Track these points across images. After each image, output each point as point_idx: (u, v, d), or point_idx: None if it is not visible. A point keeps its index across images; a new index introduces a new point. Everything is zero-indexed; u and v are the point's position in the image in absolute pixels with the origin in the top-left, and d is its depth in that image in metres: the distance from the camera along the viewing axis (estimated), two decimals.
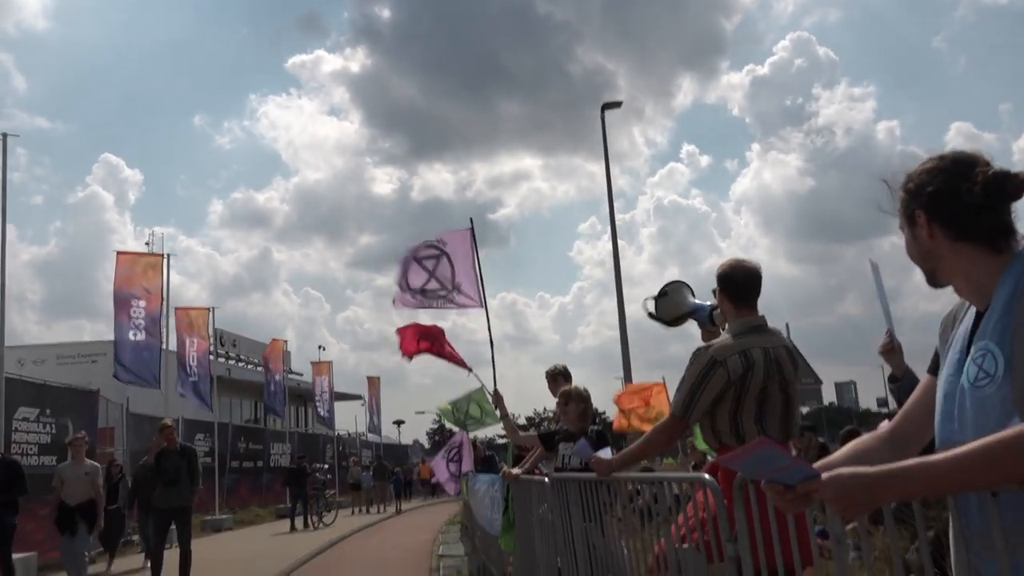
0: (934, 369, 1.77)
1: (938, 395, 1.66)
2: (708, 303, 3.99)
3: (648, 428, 9.17)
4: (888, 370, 4.04)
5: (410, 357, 7.35)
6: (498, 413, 6.29)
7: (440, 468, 10.52)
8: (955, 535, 1.55)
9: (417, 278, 6.85)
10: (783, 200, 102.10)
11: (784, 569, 2.15)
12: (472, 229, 6.85)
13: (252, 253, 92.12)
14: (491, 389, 6.67)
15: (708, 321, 3.93)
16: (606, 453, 3.86)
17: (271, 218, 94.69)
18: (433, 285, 6.77)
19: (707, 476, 2.65)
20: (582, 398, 5.47)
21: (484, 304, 6.70)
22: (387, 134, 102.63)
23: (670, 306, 4.15)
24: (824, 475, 1.47)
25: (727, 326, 3.56)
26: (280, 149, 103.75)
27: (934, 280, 1.70)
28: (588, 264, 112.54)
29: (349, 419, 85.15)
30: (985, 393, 1.49)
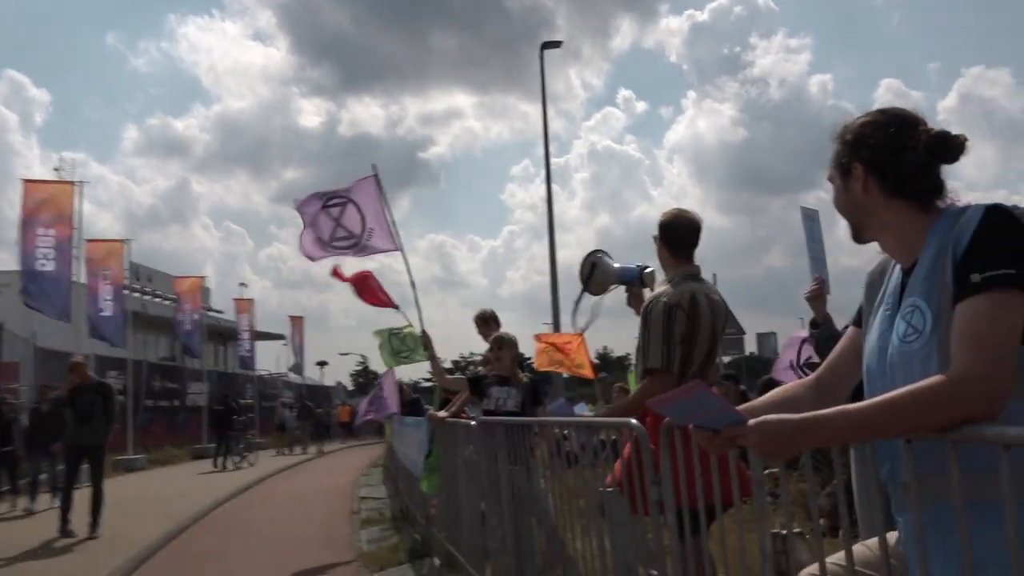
0: (858, 322, 1.83)
1: (867, 351, 1.71)
2: (634, 264, 4.05)
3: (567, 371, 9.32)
4: (808, 320, 4.24)
5: (340, 278, 7.35)
6: (427, 353, 6.31)
7: (362, 407, 10.55)
8: (864, 484, 1.63)
9: (324, 227, 6.96)
10: (716, 150, 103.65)
11: (706, 508, 2.23)
12: (376, 176, 6.98)
13: (169, 183, 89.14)
14: (419, 330, 6.69)
15: (638, 282, 3.98)
16: (581, 409, 3.93)
17: (190, 147, 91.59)
18: (340, 233, 6.92)
19: (634, 421, 2.71)
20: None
21: (400, 247, 6.82)
22: (316, 63, 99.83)
23: (600, 280, 4.17)
24: (751, 421, 1.51)
25: (665, 276, 3.66)
26: (201, 74, 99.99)
27: (859, 235, 1.74)
28: (520, 208, 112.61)
29: (271, 359, 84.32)
30: (912, 348, 1.54)
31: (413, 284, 6.71)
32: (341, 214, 6.95)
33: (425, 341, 6.23)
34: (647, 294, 3.87)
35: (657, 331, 3.44)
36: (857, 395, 1.70)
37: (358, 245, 6.93)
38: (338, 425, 34.94)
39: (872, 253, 1.78)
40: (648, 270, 3.88)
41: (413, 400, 11.79)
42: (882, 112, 1.69)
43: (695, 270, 3.63)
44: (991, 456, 1.29)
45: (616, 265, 4.14)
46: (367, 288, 7.17)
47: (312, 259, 7.01)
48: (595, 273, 4.11)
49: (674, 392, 1.56)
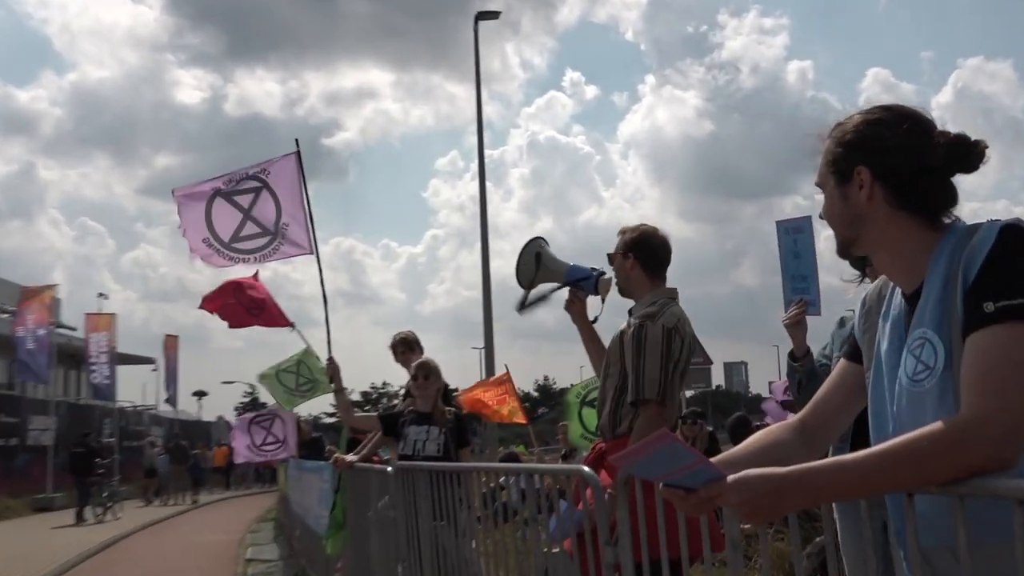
0: (852, 355, 1.87)
1: (871, 392, 1.74)
2: (591, 268, 4.04)
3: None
4: (784, 349, 4.26)
5: (214, 311, 7.17)
6: (332, 386, 6.23)
7: (240, 438, 10.33)
8: (855, 543, 1.65)
9: (227, 222, 6.51)
10: (677, 145, 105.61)
11: (670, 564, 2.27)
12: (298, 153, 6.60)
13: (10, 168, 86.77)
14: (324, 357, 6.59)
15: (593, 290, 4.00)
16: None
17: (37, 124, 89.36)
18: (251, 230, 6.49)
19: (586, 469, 2.73)
20: (440, 374, 5.57)
21: (315, 250, 6.53)
22: (196, 26, 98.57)
23: (546, 276, 4.12)
24: (730, 477, 1.51)
25: (640, 297, 3.75)
26: (52, 35, 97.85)
27: (848, 248, 1.78)
28: (445, 208, 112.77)
29: (135, 388, 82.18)
30: (923, 388, 1.57)
31: (325, 299, 6.53)
32: (254, 203, 6.55)
33: (331, 371, 6.12)
34: (593, 306, 3.98)
35: (655, 357, 3.53)
36: (857, 441, 1.74)
37: (270, 246, 6.51)
38: (211, 470, 34.10)
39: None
40: (606, 277, 3.93)
41: (314, 440, 11.67)
42: (887, 109, 1.72)
43: (674, 292, 3.80)
44: (1004, 514, 1.33)
45: (567, 262, 4.11)
46: (250, 302, 7.01)
47: (211, 264, 6.60)
48: (539, 266, 4.08)
49: (638, 445, 1.55)
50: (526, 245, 4.12)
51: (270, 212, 6.52)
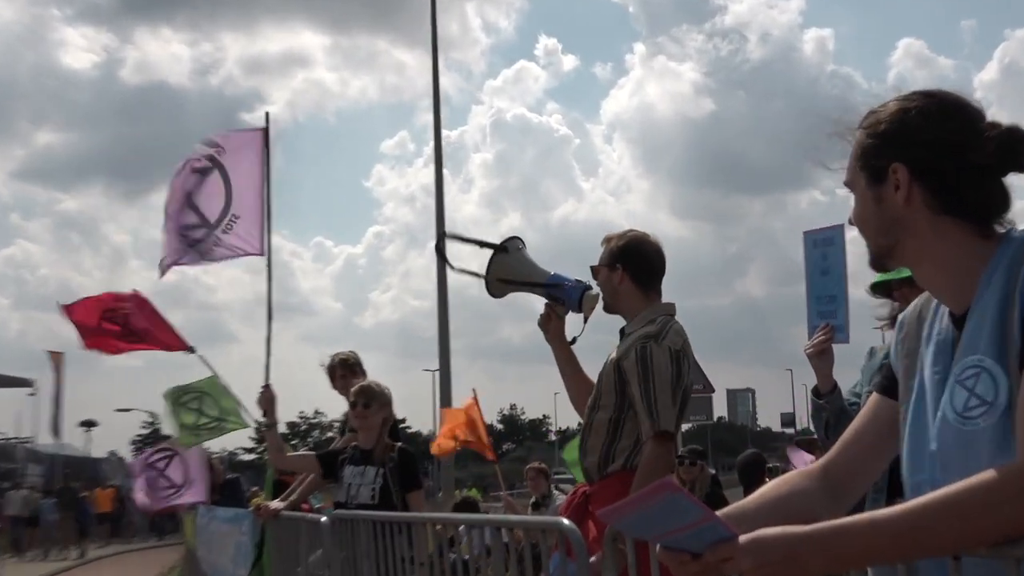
0: (886, 388, 1.86)
1: (905, 427, 1.73)
2: (575, 280, 4.01)
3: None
4: (800, 373, 4.29)
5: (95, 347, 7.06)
6: (262, 420, 6.15)
7: (138, 478, 10.18)
8: None
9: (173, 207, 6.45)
10: (672, 127, 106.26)
11: None
12: (266, 130, 6.46)
13: None
14: (237, 382, 6.53)
15: (576, 306, 3.97)
16: None
17: None
18: (190, 219, 6.33)
19: (566, 522, 2.73)
20: (387, 401, 5.50)
21: (268, 253, 6.40)
22: None
23: (514, 267, 4.05)
24: (742, 538, 1.51)
25: (632, 314, 3.82)
26: None
27: (883, 261, 1.78)
28: (392, 200, 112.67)
29: (6, 416, 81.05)
30: (977, 426, 1.57)
31: (270, 313, 6.43)
32: (198, 186, 6.39)
33: (265, 402, 6.04)
34: (570, 326, 4.02)
35: (664, 384, 3.59)
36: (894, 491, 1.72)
37: (213, 242, 6.35)
38: (95, 517, 33.62)
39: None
40: (592, 292, 3.93)
41: (229, 482, 11.49)
42: (929, 96, 1.72)
43: (672, 308, 3.87)
44: None
45: (547, 270, 4.07)
46: (123, 326, 6.87)
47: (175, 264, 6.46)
48: (512, 262, 4.03)
49: (634, 497, 1.53)
50: (498, 246, 4.04)
51: (217, 198, 6.36)
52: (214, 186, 6.38)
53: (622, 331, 3.83)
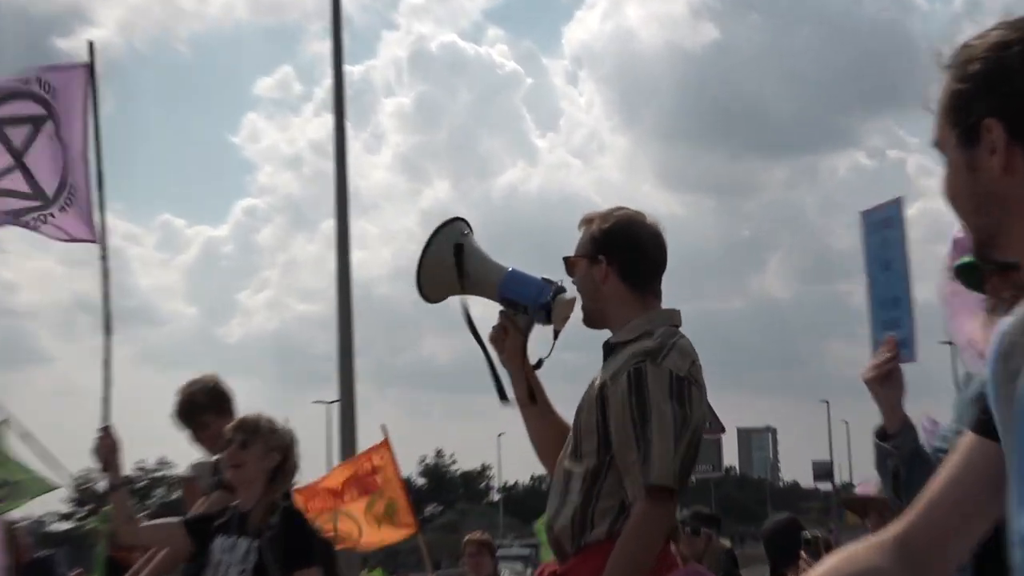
0: (984, 426, 1.61)
1: (1012, 475, 1.50)
2: (542, 278, 3.43)
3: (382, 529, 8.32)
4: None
5: None
6: (97, 477, 5.32)
7: None
8: None
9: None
10: (660, 62, 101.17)
11: None
12: (92, 65, 5.28)
13: None
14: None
15: (543, 316, 3.39)
16: None
17: None
18: (14, 184, 5.13)
19: None
20: (278, 444, 4.61)
21: (103, 239, 5.19)
22: None
23: (472, 285, 3.48)
24: None
25: (622, 322, 3.24)
26: None
27: (988, 248, 1.58)
28: (271, 163, 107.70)
29: None
30: None
31: (108, 325, 5.13)
32: (28, 141, 5.13)
33: (104, 451, 5.00)
34: (535, 342, 3.42)
35: (664, 418, 3.01)
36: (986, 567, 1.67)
37: (33, 212, 5.14)
38: None
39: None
40: (565, 295, 3.37)
41: (38, 561, 10.65)
42: None
43: (676, 316, 3.31)
44: None
45: (504, 265, 3.49)
46: None
47: None
48: (462, 271, 3.43)
49: None
50: (436, 231, 3.47)
51: (50, 163, 5.23)
52: (48, 144, 5.21)
53: (607, 345, 3.26)
